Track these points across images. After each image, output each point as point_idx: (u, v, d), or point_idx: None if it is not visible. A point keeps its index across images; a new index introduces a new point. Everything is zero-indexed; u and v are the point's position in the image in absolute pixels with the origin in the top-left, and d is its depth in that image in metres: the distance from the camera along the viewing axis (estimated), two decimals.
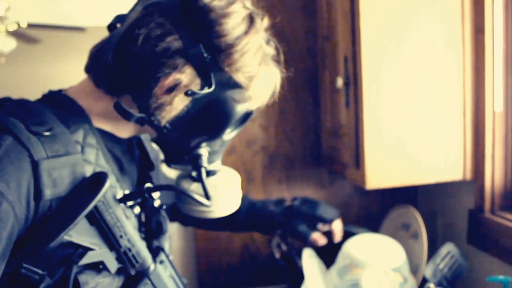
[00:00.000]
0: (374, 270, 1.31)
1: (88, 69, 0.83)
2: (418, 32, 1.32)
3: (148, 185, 0.82)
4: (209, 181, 0.92)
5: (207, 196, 0.86)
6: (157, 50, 0.74)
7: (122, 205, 0.81)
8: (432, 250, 1.45)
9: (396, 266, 1.29)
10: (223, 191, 0.93)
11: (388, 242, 1.37)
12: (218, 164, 0.93)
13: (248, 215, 1.26)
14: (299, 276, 1.32)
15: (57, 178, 0.70)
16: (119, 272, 0.78)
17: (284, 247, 1.46)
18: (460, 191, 1.53)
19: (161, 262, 0.87)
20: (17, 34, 4.05)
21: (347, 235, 1.38)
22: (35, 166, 0.68)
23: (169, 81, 0.76)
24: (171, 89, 0.77)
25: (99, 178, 0.73)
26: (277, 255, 1.48)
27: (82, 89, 0.83)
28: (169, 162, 0.93)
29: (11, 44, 4.00)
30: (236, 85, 0.80)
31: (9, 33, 3.96)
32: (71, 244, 0.70)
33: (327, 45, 1.64)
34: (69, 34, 4.38)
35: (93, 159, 0.78)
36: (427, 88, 1.35)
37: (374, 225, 1.70)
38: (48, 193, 0.69)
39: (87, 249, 0.71)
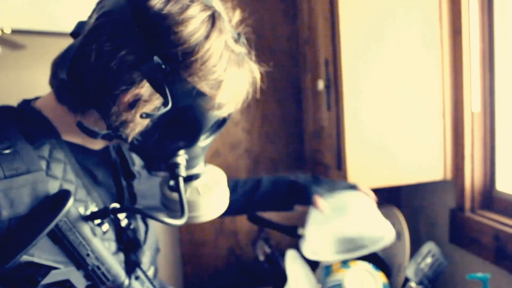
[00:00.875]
0: (357, 270, 1.32)
1: (51, 83, 0.80)
2: (397, 35, 1.34)
3: (114, 205, 0.78)
4: (192, 187, 0.89)
5: (182, 209, 0.80)
6: (111, 66, 0.69)
7: (90, 222, 0.77)
8: (416, 250, 1.46)
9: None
10: (206, 197, 0.89)
11: None
12: (200, 167, 0.89)
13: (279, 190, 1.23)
14: (283, 278, 1.33)
15: (15, 198, 0.67)
16: None
17: (268, 250, 1.47)
18: (441, 191, 1.54)
19: (137, 278, 0.84)
20: (1, 40, 4.03)
21: None
22: None
23: (128, 97, 0.71)
24: (132, 105, 0.72)
25: (62, 197, 0.70)
26: (261, 257, 1.49)
27: (49, 101, 0.80)
28: (149, 169, 0.90)
29: None
30: (201, 95, 0.74)
31: None
32: (33, 264, 0.68)
33: (308, 48, 1.65)
34: (54, 39, 4.35)
35: (60, 174, 0.75)
36: (407, 90, 1.36)
37: None
38: (5, 213, 0.66)
39: (50, 268, 0.69)
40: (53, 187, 0.73)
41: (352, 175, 1.37)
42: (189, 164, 0.86)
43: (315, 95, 1.61)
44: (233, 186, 1.23)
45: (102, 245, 0.76)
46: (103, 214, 0.76)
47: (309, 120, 1.71)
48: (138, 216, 0.93)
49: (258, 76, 0.83)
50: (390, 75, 1.35)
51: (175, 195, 0.89)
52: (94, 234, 0.76)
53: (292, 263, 1.30)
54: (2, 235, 0.67)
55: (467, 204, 1.39)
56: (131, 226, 0.88)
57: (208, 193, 0.90)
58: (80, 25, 0.77)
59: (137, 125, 0.74)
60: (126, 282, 0.80)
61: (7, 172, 0.67)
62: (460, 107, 1.37)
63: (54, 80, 0.79)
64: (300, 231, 1.39)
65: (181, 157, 0.83)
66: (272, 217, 1.78)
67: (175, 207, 0.91)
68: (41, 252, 0.69)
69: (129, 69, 0.69)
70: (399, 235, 1.49)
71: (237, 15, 0.79)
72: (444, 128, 1.40)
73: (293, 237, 1.32)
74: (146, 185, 1.07)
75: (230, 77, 0.76)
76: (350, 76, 1.34)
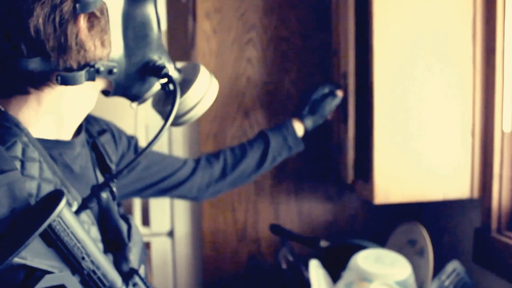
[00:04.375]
0: (380, 284, 1.32)
1: None
2: (429, 52, 1.34)
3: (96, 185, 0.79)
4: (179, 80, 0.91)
5: (175, 89, 0.84)
6: (54, 3, 0.71)
7: (84, 218, 0.77)
8: (437, 268, 1.46)
9: (402, 278, 1.30)
10: (192, 88, 0.92)
11: (395, 256, 1.38)
12: (171, 67, 0.89)
13: (276, 141, 1.42)
14: (305, 287, 1.33)
15: None
16: None
17: (290, 258, 1.48)
18: (467, 209, 1.53)
19: (135, 285, 0.82)
20: None
21: (355, 248, 1.39)
22: None
23: (82, 21, 0.74)
24: (90, 28, 0.75)
25: (54, 196, 0.67)
26: (284, 265, 1.49)
27: (7, 99, 0.79)
28: (136, 100, 0.90)
29: None
30: None
31: None
32: (25, 267, 0.65)
33: (335, 60, 1.66)
34: None
35: (37, 174, 0.74)
36: (437, 106, 1.36)
37: (379, 240, 1.71)
38: None
39: (44, 272, 0.66)
40: (30, 187, 0.72)
41: (379, 189, 1.37)
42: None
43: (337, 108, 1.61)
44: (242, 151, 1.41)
45: (97, 248, 0.73)
46: (90, 199, 0.76)
47: (335, 130, 1.71)
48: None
49: None
50: (421, 90, 1.35)
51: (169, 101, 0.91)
52: (89, 235, 0.72)
53: (316, 272, 1.30)
54: None
55: (494, 224, 1.38)
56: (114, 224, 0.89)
57: (197, 79, 0.92)
58: None
59: (106, 46, 0.78)
60: None
61: None
62: (491, 126, 1.36)
63: (4, 69, 0.76)
64: (322, 243, 1.39)
65: (155, 57, 0.85)
66: (294, 227, 1.79)
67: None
68: (34, 256, 0.66)
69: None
70: (422, 252, 1.49)
71: None
72: (472, 147, 1.39)
73: (315, 249, 1.33)
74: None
75: None
76: (381, 89, 1.34)
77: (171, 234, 1.88)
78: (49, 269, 0.67)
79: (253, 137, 1.47)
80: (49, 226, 0.65)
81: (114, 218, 0.90)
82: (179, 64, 0.98)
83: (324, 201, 1.82)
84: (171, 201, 1.86)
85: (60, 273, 0.68)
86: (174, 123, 0.97)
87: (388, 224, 1.76)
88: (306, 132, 1.48)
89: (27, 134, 0.76)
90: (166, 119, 0.83)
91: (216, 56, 1.73)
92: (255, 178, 1.50)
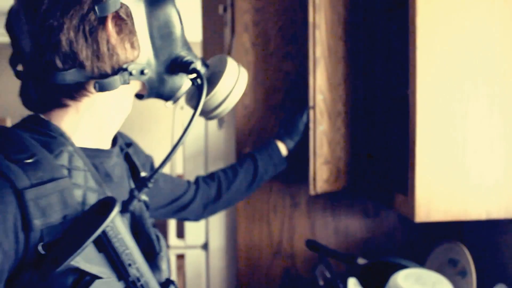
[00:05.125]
0: None
1: (29, 95, 0.82)
2: (474, 66, 1.31)
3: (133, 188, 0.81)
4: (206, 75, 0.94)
5: (203, 85, 0.87)
6: (79, 11, 0.75)
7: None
8: None
9: None
10: (222, 81, 0.96)
11: (436, 277, 1.34)
12: (198, 63, 0.91)
13: (263, 161, 1.48)
14: None
15: (46, 206, 0.68)
16: None
17: (328, 275, 1.45)
18: None
19: None
20: None
21: (393, 266, 1.36)
22: (19, 196, 0.66)
23: (110, 24, 0.78)
24: (118, 31, 0.79)
25: (107, 203, 0.70)
26: (321, 282, 1.47)
27: (50, 111, 0.82)
28: (170, 98, 0.92)
29: None
30: None
31: None
32: (77, 271, 0.68)
33: None
34: None
35: (82, 182, 0.76)
36: (482, 122, 1.32)
37: (418, 258, 1.66)
38: (38, 223, 0.67)
39: (94, 278, 0.69)
40: (78, 195, 0.74)
41: (420, 206, 1.33)
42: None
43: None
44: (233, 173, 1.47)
45: (142, 256, 0.76)
46: (131, 201, 0.80)
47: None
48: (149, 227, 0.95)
49: None
50: (466, 105, 1.32)
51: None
52: (134, 243, 0.75)
53: None
54: (35, 246, 0.67)
55: None
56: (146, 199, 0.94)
57: (225, 72, 0.97)
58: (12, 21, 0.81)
59: (135, 35, 0.81)
60: None
61: (33, 180, 0.68)
62: None
63: (42, 85, 0.80)
64: (359, 260, 1.36)
65: (183, 54, 0.89)
66: (330, 243, 1.76)
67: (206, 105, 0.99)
68: (85, 260, 0.68)
69: (92, 5, 0.76)
70: (464, 273, 1.44)
71: None
72: None
73: (352, 266, 1.30)
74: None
75: None
76: (424, 104, 1.31)
77: (205, 246, 1.88)
78: (99, 274, 0.70)
79: (241, 157, 1.56)
80: (103, 231, 0.68)
81: (147, 227, 0.92)
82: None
83: (361, 217, 1.79)
84: None
85: (108, 278, 0.71)
86: (209, 117, 1.01)
87: (427, 242, 1.71)
88: (290, 150, 1.56)
89: (72, 144, 0.79)
90: (194, 111, 0.86)
91: (254, 69, 1.73)
92: (246, 198, 1.57)
